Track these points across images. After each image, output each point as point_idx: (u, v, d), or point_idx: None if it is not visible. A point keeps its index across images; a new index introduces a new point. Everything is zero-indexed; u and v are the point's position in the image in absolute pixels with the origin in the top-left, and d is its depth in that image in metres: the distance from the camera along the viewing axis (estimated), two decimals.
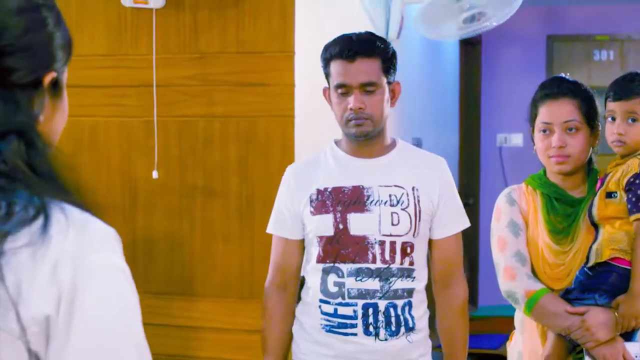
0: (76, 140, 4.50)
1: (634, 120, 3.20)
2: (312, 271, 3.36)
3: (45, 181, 1.45)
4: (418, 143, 6.48)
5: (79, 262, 1.40)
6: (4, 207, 1.38)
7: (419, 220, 3.28)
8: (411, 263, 3.28)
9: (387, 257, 3.24)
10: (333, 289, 3.28)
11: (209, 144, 4.33)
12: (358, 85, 3.22)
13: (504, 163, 9.19)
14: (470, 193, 9.20)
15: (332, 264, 3.28)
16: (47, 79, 1.53)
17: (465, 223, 3.43)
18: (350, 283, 3.24)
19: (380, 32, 5.28)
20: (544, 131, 3.32)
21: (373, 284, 3.23)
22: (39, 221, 1.39)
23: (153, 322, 4.33)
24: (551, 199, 3.35)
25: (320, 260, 3.30)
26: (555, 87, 3.36)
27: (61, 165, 1.51)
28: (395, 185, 3.29)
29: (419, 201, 3.28)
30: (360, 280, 3.23)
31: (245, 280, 4.28)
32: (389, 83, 3.30)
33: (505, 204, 3.43)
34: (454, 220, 3.38)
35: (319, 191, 3.32)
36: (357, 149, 3.35)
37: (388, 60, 3.28)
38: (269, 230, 3.48)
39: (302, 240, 3.41)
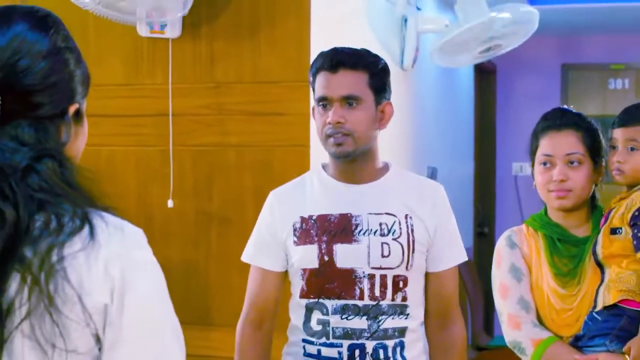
0: (93, 168, 4.50)
1: (632, 148, 3.07)
2: (295, 307, 3.07)
3: (80, 194, 1.76)
4: (433, 172, 6.48)
5: (125, 260, 1.71)
6: (54, 219, 1.66)
7: (413, 252, 2.97)
8: (404, 299, 2.96)
9: (377, 292, 2.92)
10: (317, 327, 2.96)
11: (225, 173, 4.34)
12: (339, 98, 2.93)
13: (520, 192, 9.18)
14: (486, 222, 9.18)
15: (316, 300, 2.96)
16: (71, 110, 1.82)
17: (463, 256, 3.13)
18: (335, 321, 2.93)
19: (395, 62, 5.29)
20: (545, 164, 3.15)
21: (360, 322, 2.92)
22: (86, 229, 1.69)
23: None
24: (554, 240, 3.15)
25: (304, 295, 2.99)
26: (557, 119, 3.20)
27: (87, 180, 1.82)
28: (387, 213, 2.98)
29: (412, 230, 2.97)
30: (346, 318, 2.92)
31: None
32: (378, 102, 2.99)
33: (505, 247, 3.22)
34: (451, 252, 3.09)
35: (302, 219, 3.01)
36: (345, 173, 3.04)
37: (376, 76, 2.98)
38: (244, 258, 3.21)
39: (284, 273, 3.10)
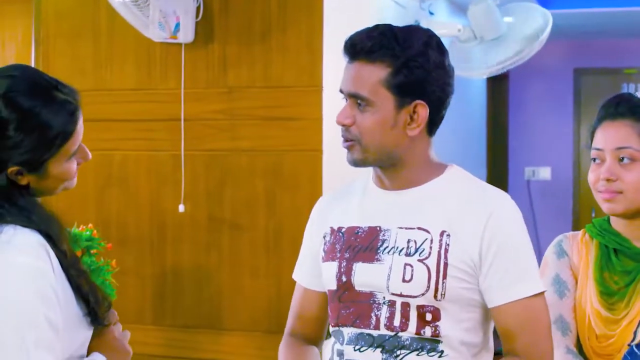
0: (105, 173, 4.53)
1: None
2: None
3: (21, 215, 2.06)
4: None
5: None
6: None
7: (444, 278, 2.32)
8: (435, 334, 2.34)
9: (397, 322, 2.36)
10: (335, 358, 2.47)
11: (236, 177, 4.34)
12: (347, 94, 2.39)
13: (532, 196, 9.15)
14: None
15: (336, 327, 2.47)
16: (10, 171, 2.07)
17: (533, 287, 2.34)
18: (349, 352, 2.43)
19: None
20: (595, 160, 2.60)
21: (373, 355, 2.39)
22: None
23: (181, 355, 4.34)
24: (609, 251, 2.61)
25: (330, 320, 2.52)
26: (613, 107, 2.61)
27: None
28: (419, 228, 2.38)
29: (446, 251, 2.33)
30: (359, 350, 2.41)
31: (272, 314, 4.27)
32: (402, 104, 2.34)
33: (552, 255, 2.70)
34: (513, 280, 2.33)
35: (332, 231, 2.52)
36: (379, 179, 2.49)
37: (405, 70, 2.32)
38: (293, 274, 2.72)
39: (325, 292, 2.58)
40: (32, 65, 4.46)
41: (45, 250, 2.01)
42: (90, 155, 2.18)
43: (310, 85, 4.19)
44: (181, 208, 4.36)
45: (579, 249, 2.68)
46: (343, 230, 2.48)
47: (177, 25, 4.25)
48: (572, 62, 9.40)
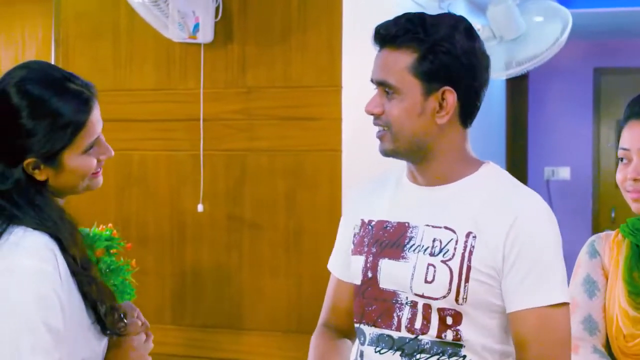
0: (125, 173, 4.54)
1: None
2: None
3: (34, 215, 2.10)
4: None
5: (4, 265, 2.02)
6: None
7: (467, 281, 2.24)
8: (457, 338, 2.26)
9: (417, 324, 2.28)
10: (358, 358, 2.42)
11: (256, 178, 4.34)
12: (376, 82, 2.34)
13: (552, 197, 9.13)
14: None
15: (358, 324, 2.41)
16: (27, 163, 2.10)
17: (556, 296, 2.23)
18: (369, 354, 2.36)
19: None
20: (622, 159, 2.55)
21: (393, 358, 2.31)
22: None
23: (201, 355, 4.34)
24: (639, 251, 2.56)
25: (354, 316, 2.45)
26: (638, 106, 2.56)
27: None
28: (445, 227, 2.29)
29: (471, 253, 2.24)
30: (379, 352, 2.34)
31: (293, 314, 4.27)
32: (430, 90, 2.28)
33: (585, 255, 2.66)
34: (533, 287, 2.22)
35: (362, 223, 2.45)
36: (411, 173, 2.41)
37: (430, 55, 2.26)
38: (328, 263, 2.66)
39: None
40: None
41: (53, 253, 2.03)
42: (112, 151, 2.19)
43: (329, 85, 4.19)
44: (200, 208, 4.37)
45: (610, 248, 2.62)
46: (373, 223, 2.41)
47: (197, 25, 4.26)
48: (591, 61, 9.37)
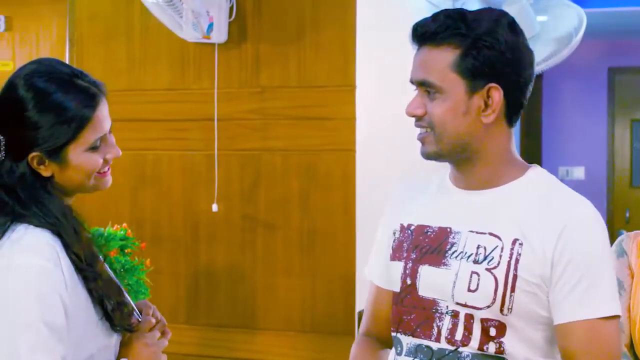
0: (139, 173, 4.55)
1: None
2: None
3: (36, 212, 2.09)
4: None
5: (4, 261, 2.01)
6: None
7: (512, 290, 2.11)
8: (500, 351, 2.13)
9: (458, 335, 2.15)
10: None
11: (270, 177, 4.35)
12: (416, 82, 2.21)
13: None
14: None
15: (395, 333, 2.29)
16: (32, 157, 2.09)
17: (605, 309, 2.09)
18: None
19: None
20: None
21: None
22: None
23: (215, 354, 4.35)
24: None
25: (391, 325, 2.32)
26: None
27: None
28: (490, 234, 2.17)
29: (517, 261, 2.11)
30: None
31: (306, 313, 4.27)
32: (475, 88, 2.16)
33: (612, 254, 2.53)
34: (579, 298, 2.09)
35: (402, 227, 2.32)
36: (455, 177, 2.29)
37: (474, 52, 2.13)
38: (366, 270, 2.52)
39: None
40: None
41: (55, 251, 2.02)
42: (119, 150, 2.17)
43: (343, 85, 4.19)
44: (214, 207, 4.37)
45: (638, 247, 2.58)
46: (412, 227, 2.29)
47: (211, 25, 4.26)
48: (606, 61, 9.34)
